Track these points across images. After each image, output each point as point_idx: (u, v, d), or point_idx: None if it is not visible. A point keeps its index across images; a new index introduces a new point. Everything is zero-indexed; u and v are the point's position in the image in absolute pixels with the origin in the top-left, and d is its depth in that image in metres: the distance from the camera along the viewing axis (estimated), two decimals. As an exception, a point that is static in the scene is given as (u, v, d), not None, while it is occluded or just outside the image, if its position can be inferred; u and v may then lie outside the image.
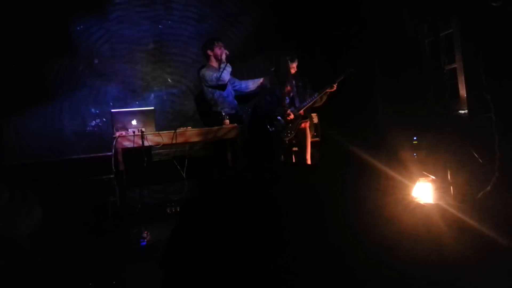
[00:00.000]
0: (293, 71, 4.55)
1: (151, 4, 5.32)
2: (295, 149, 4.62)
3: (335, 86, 4.46)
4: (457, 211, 2.68)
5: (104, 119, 5.08)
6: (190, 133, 4.07)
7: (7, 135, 4.66)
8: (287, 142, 4.50)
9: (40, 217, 1.25)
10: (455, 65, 4.51)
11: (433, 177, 3.79)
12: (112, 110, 4.00)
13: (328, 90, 4.47)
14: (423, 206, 2.88)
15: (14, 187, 1.18)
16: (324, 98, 4.58)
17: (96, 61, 5.10)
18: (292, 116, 4.41)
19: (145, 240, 3.56)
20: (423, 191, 3.55)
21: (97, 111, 5.09)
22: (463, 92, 4.35)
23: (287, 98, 4.53)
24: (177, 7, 5.43)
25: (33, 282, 1.08)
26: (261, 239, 1.17)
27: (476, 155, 3.71)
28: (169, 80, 5.40)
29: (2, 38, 4.60)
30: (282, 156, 4.58)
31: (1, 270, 1.04)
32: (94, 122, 5.08)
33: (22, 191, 1.18)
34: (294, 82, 4.56)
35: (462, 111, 4.32)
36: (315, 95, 4.48)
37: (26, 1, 4.69)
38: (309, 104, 4.49)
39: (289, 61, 4.50)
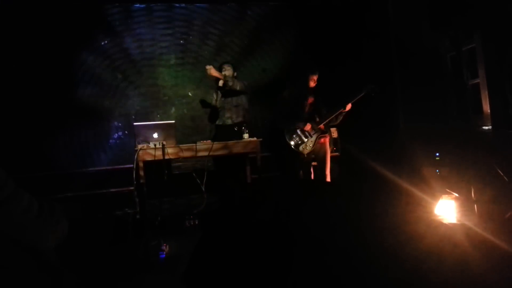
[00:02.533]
0: (313, 84, 4.52)
1: (173, 21, 5.45)
2: (314, 163, 4.59)
3: (348, 106, 4.38)
4: (483, 230, 2.59)
5: (126, 131, 5.19)
6: (210, 147, 4.10)
7: (32, 147, 4.79)
8: (306, 155, 4.47)
9: (66, 231, 1.27)
10: (478, 80, 4.44)
11: (457, 195, 3.70)
12: (135, 124, 4.07)
13: (342, 111, 4.40)
14: (446, 224, 2.80)
15: (43, 199, 1.21)
16: (340, 118, 4.51)
17: (119, 75, 5.23)
18: (309, 128, 4.39)
19: (164, 252, 3.58)
20: (446, 209, 3.46)
21: (120, 124, 5.21)
22: (486, 107, 4.27)
23: (306, 111, 4.52)
24: (198, 23, 5.54)
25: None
26: (280, 256, 1.17)
27: (501, 172, 3.61)
28: (190, 94, 5.49)
29: (30, 56, 4.78)
30: (301, 171, 4.55)
31: (29, 282, 1.07)
32: (116, 134, 5.19)
33: (51, 204, 1.21)
34: (314, 95, 4.55)
35: (486, 127, 4.22)
36: (331, 113, 4.45)
37: (52, 19, 4.87)
38: (329, 119, 4.47)
39: (309, 74, 4.49)
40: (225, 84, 4.53)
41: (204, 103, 5.31)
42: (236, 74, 4.79)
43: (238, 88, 4.59)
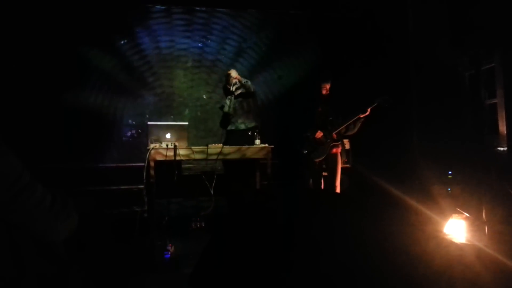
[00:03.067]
0: (325, 92, 4.49)
1: (192, 24, 5.51)
2: (324, 174, 4.56)
3: (368, 111, 4.33)
4: (494, 251, 2.54)
5: (139, 130, 5.23)
6: (222, 150, 4.11)
7: (48, 139, 4.86)
8: (317, 164, 4.44)
9: (76, 224, 1.28)
10: (495, 100, 4.39)
11: (467, 214, 3.64)
12: (149, 123, 4.10)
13: (360, 116, 4.34)
14: (457, 244, 2.76)
15: (56, 192, 1.22)
16: (358, 125, 4.44)
17: (136, 74, 5.30)
18: (320, 135, 4.36)
19: (169, 252, 3.58)
20: (456, 228, 3.41)
21: (134, 122, 5.26)
22: (503, 128, 4.21)
23: (318, 119, 4.49)
24: (217, 28, 5.59)
25: (67, 285, 1.11)
26: (284, 264, 1.17)
27: (513, 194, 3.55)
28: (204, 97, 5.53)
29: (43, 47, 4.86)
30: (311, 180, 4.53)
31: (37, 273, 1.08)
32: (129, 132, 5.25)
33: (63, 197, 1.22)
34: (326, 104, 4.53)
35: (501, 148, 4.16)
36: (349, 119, 4.39)
37: (74, 12, 4.96)
38: (342, 127, 4.40)
39: (322, 82, 4.47)
40: (243, 87, 4.55)
41: (217, 108, 5.34)
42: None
43: (252, 90, 4.61)
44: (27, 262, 1.07)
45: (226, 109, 4.75)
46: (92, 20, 5.02)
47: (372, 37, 5.50)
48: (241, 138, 4.56)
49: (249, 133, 4.58)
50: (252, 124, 4.68)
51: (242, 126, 4.69)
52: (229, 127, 4.76)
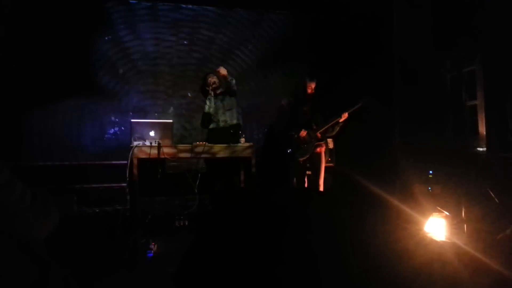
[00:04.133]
0: (310, 91, 4.51)
1: (178, 21, 5.47)
2: (308, 172, 4.59)
3: (345, 115, 4.36)
4: (472, 249, 2.61)
5: (122, 127, 5.17)
6: (206, 148, 4.10)
7: (28, 136, 4.77)
8: (301, 162, 4.47)
9: (57, 222, 1.26)
10: (476, 102, 4.48)
11: (447, 213, 3.72)
12: (132, 120, 4.06)
13: (339, 120, 4.38)
14: (436, 242, 2.82)
15: (36, 189, 1.20)
16: (337, 128, 4.49)
17: (121, 71, 5.24)
18: (305, 134, 4.38)
19: (152, 251, 3.55)
20: (436, 227, 3.48)
21: (117, 119, 5.20)
22: (482, 129, 4.31)
23: (304, 118, 4.51)
24: (203, 26, 5.56)
25: (47, 285, 1.10)
26: (269, 262, 1.17)
27: (492, 193, 3.64)
28: (189, 95, 5.49)
29: (29, 42, 4.76)
30: (295, 179, 4.55)
31: (17, 272, 1.06)
32: (112, 130, 5.18)
33: (44, 194, 1.20)
34: (311, 103, 4.55)
35: (481, 149, 4.26)
36: (330, 121, 4.43)
37: (55, 8, 4.87)
38: (325, 127, 4.44)
39: (307, 81, 4.49)
40: (227, 85, 4.56)
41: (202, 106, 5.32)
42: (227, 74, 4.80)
43: (235, 89, 4.62)
44: (6, 261, 1.04)
45: (206, 109, 4.73)
46: (75, 16, 4.93)
47: (358, 38, 5.55)
48: (223, 136, 4.54)
49: (231, 131, 4.58)
50: (234, 122, 4.68)
51: (223, 124, 4.68)
52: (211, 126, 4.75)
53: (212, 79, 4.60)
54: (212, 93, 4.57)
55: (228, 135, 4.55)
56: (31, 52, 4.78)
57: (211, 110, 4.67)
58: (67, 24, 4.90)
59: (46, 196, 1.21)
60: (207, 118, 4.74)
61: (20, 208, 1.10)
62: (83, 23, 4.99)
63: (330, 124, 4.41)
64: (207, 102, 4.70)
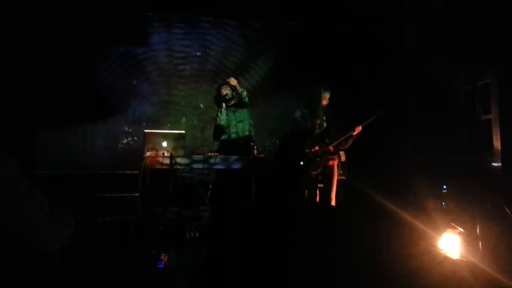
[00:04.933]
0: (325, 102, 4.48)
1: (191, 33, 5.54)
2: (320, 186, 4.56)
3: (356, 129, 4.31)
4: (488, 267, 2.55)
5: (135, 138, 5.23)
6: (218, 160, 4.12)
7: (43, 145, 4.85)
8: (313, 176, 4.44)
9: (73, 232, 1.28)
10: (490, 116, 4.43)
11: (461, 229, 3.66)
12: (145, 131, 4.10)
13: (353, 133, 4.34)
14: (451, 259, 2.76)
15: (54, 200, 1.22)
16: (350, 141, 4.44)
17: (134, 82, 5.31)
18: (317, 149, 4.36)
19: (163, 262, 3.55)
20: (450, 243, 3.42)
21: (130, 130, 5.25)
22: (497, 144, 4.25)
23: (317, 131, 4.49)
24: (217, 38, 5.63)
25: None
26: (281, 276, 1.17)
27: (507, 210, 3.57)
28: (201, 106, 5.54)
29: (45, 54, 4.87)
30: (307, 192, 4.53)
31: (34, 282, 1.07)
32: (126, 140, 5.23)
33: (61, 204, 1.22)
34: (325, 115, 4.53)
35: (495, 164, 4.20)
36: (343, 134, 4.40)
37: (70, 19, 4.98)
38: (338, 141, 4.42)
39: (322, 91, 4.46)
40: (238, 96, 4.59)
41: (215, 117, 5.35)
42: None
43: (247, 100, 4.65)
44: (23, 271, 1.06)
45: (218, 121, 4.76)
46: (90, 27, 5.04)
47: (370, 50, 5.56)
48: (234, 147, 4.56)
49: (242, 143, 4.59)
50: (245, 134, 4.70)
51: (235, 136, 4.70)
52: (223, 137, 4.77)
53: (225, 90, 4.64)
54: (224, 105, 4.60)
55: (239, 146, 4.57)
56: (46, 62, 4.88)
57: (223, 122, 4.70)
58: (81, 35, 5.01)
59: (64, 206, 1.23)
60: (219, 130, 4.76)
61: (38, 217, 1.11)
62: (97, 35, 5.09)
63: (343, 138, 4.38)
64: (219, 114, 4.73)
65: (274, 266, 1.17)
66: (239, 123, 4.72)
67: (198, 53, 5.60)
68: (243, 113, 4.75)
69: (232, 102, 4.63)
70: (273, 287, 1.13)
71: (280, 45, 5.77)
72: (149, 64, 5.40)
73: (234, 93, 4.67)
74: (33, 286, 1.07)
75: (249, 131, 4.76)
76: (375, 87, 5.30)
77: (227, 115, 4.68)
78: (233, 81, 4.72)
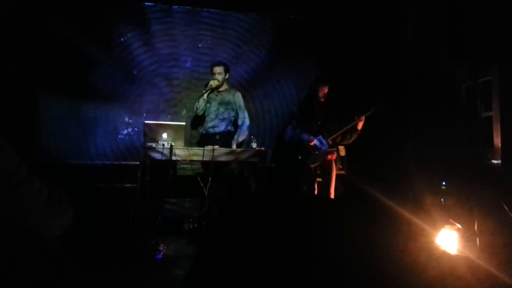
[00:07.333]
0: (322, 95, 4.48)
1: (193, 23, 5.51)
2: (319, 180, 4.58)
3: (358, 119, 4.31)
4: (485, 263, 2.56)
5: (136, 128, 5.22)
6: (218, 152, 4.11)
7: (43, 135, 4.85)
8: (312, 169, 4.45)
9: (71, 220, 1.28)
10: (491, 113, 4.43)
11: (459, 226, 3.66)
12: (145, 121, 4.09)
13: (353, 123, 4.33)
14: (449, 255, 2.77)
15: (52, 187, 1.22)
16: (354, 136, 4.44)
17: (135, 72, 5.29)
18: (314, 142, 4.36)
19: (161, 253, 3.57)
20: (448, 239, 3.43)
21: (130, 121, 5.24)
22: (497, 141, 4.25)
23: (315, 124, 4.49)
24: (219, 29, 5.59)
25: (61, 282, 1.11)
26: (278, 268, 1.17)
27: (506, 207, 3.58)
28: (204, 98, 5.51)
29: (44, 43, 4.84)
30: (305, 185, 4.54)
31: (32, 268, 1.07)
32: (126, 130, 5.22)
33: (59, 192, 1.22)
34: (323, 108, 4.53)
35: (496, 161, 4.20)
36: (343, 125, 4.40)
37: (71, 8, 4.94)
38: (337, 133, 4.41)
39: (320, 86, 4.46)
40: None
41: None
42: (227, 76, 4.73)
43: (214, 86, 4.59)
44: (21, 258, 1.06)
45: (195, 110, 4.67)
46: (90, 16, 5.01)
47: (371, 43, 5.53)
48: (211, 142, 4.48)
49: (217, 138, 4.53)
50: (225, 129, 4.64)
51: (211, 131, 4.63)
52: (201, 130, 4.71)
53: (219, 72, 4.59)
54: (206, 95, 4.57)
55: (216, 140, 4.52)
56: (47, 51, 4.85)
57: (199, 111, 4.64)
58: (84, 25, 4.98)
59: (62, 194, 1.23)
60: (197, 120, 4.73)
61: (36, 204, 1.11)
62: (98, 25, 5.06)
63: (341, 131, 4.38)
64: (196, 104, 4.66)
65: (270, 259, 1.17)
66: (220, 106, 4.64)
67: (200, 45, 5.57)
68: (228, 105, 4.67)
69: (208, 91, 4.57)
70: (269, 279, 1.13)
71: (280, 38, 5.74)
72: (150, 55, 5.37)
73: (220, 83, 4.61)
74: (31, 274, 1.07)
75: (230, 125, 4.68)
76: (376, 81, 5.29)
77: (205, 104, 4.61)
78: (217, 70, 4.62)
